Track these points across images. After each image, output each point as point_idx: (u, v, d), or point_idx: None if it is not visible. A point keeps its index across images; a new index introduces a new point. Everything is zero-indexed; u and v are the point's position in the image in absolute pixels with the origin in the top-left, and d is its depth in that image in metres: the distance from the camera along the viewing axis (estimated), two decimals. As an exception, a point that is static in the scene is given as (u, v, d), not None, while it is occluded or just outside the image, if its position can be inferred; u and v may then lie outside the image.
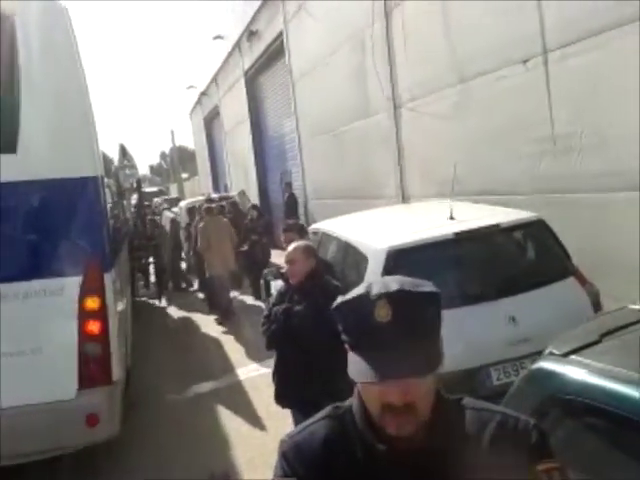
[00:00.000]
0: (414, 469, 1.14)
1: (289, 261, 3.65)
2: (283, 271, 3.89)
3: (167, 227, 13.12)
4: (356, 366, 1.11)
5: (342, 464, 1.18)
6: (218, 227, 9.45)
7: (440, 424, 1.16)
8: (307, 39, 12.51)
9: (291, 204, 14.09)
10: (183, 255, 13.32)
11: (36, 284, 4.09)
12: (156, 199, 19.68)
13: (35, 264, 4.13)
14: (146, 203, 14.68)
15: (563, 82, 5.56)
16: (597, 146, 5.23)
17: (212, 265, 9.41)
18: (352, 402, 1.25)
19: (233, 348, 7.98)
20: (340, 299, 1.18)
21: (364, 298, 1.12)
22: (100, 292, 4.19)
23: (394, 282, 1.14)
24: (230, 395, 6.21)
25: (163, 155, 67.61)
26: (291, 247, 3.70)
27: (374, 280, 1.19)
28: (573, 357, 1.86)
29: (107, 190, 5.48)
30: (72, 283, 4.14)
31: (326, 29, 11.26)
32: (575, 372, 1.79)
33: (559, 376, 1.84)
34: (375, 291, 1.12)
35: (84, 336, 4.13)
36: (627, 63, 4.85)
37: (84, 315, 4.15)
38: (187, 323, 9.96)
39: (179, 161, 41.46)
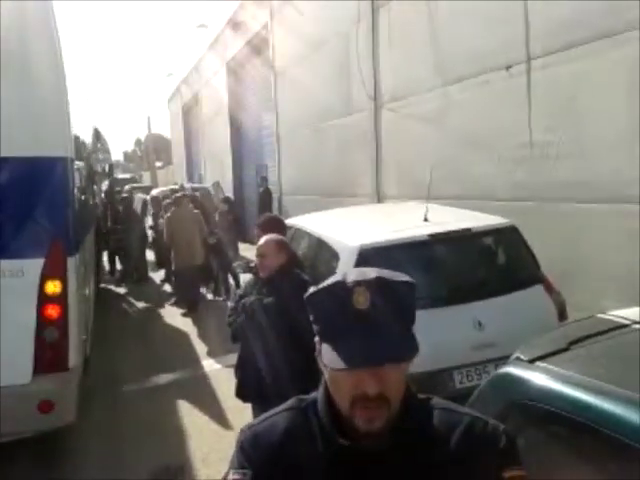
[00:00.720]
0: (377, 467, 1.10)
1: (260, 254, 3.58)
2: (253, 264, 3.81)
3: (139, 209, 12.83)
4: (333, 354, 1.07)
5: (301, 458, 1.14)
6: (186, 218, 9.26)
7: (407, 422, 1.12)
8: (292, 33, 12.42)
9: (265, 199, 13.99)
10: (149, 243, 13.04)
11: (-2, 264, 3.94)
12: (127, 186, 19.35)
13: None
14: (117, 189, 14.39)
15: (544, 90, 5.59)
16: (573, 155, 5.27)
17: (177, 257, 9.25)
18: (316, 395, 1.21)
19: (196, 341, 7.87)
20: (314, 288, 1.15)
21: (341, 285, 1.09)
22: (62, 276, 4.06)
23: (371, 271, 1.12)
24: (189, 388, 6.11)
25: (138, 142, 66.53)
26: (262, 240, 3.63)
27: (349, 270, 1.16)
28: (539, 363, 1.83)
29: (77, 173, 5.33)
30: (34, 265, 4.00)
31: (311, 24, 11.20)
32: (540, 378, 1.76)
33: (524, 382, 1.81)
34: (352, 278, 1.10)
35: (42, 320, 4.00)
36: (608, 75, 4.90)
37: (44, 299, 4.01)
38: (151, 314, 9.79)
39: (154, 149, 40.90)
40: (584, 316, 2.38)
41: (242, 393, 3.60)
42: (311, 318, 1.14)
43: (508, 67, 5.96)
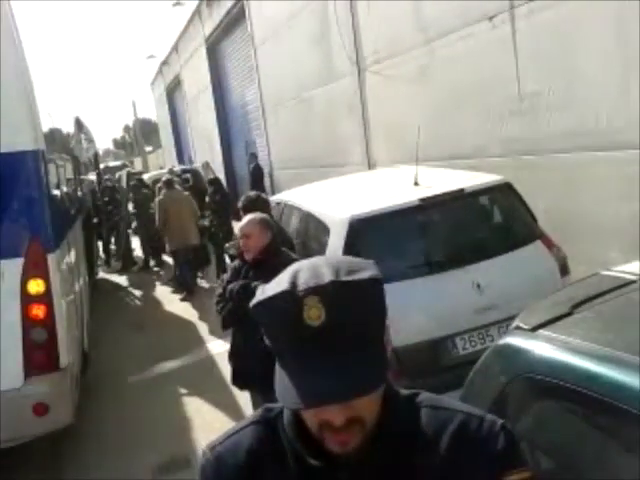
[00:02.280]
0: None
1: (243, 235, 3.43)
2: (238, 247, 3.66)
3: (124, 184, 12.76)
4: (284, 386, 0.87)
5: None
6: (177, 201, 9.09)
7: (389, 429, 0.94)
8: (268, 2, 12.04)
9: (256, 175, 13.77)
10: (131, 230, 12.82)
11: (-26, 269, 3.80)
12: (118, 173, 19.08)
13: None
14: (106, 177, 14.12)
15: (530, 38, 5.36)
16: (565, 105, 5.06)
17: (171, 240, 9.11)
18: None
19: (198, 324, 7.77)
20: (260, 294, 0.93)
21: (289, 295, 0.87)
22: (43, 274, 3.92)
23: (326, 268, 0.89)
24: (194, 374, 6.02)
25: (127, 128, 65.89)
26: (245, 220, 3.48)
27: (301, 266, 0.93)
28: (542, 332, 1.68)
29: (54, 165, 5.14)
30: (13, 265, 3.86)
31: (287, -10, 10.84)
32: (544, 349, 1.62)
33: (527, 353, 1.67)
34: (302, 284, 0.87)
35: (28, 321, 3.88)
36: (595, 18, 4.67)
37: (27, 299, 3.88)
38: (149, 301, 9.69)
39: (142, 134, 40.42)
40: (587, 274, 2.23)
41: (238, 381, 3.49)
42: (262, 331, 0.94)
43: (491, 17, 5.71)
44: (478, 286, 3.78)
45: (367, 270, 0.90)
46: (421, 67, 7.12)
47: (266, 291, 0.90)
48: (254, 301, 0.91)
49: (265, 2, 12.25)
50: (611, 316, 1.70)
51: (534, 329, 1.70)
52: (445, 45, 6.56)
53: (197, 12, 18.17)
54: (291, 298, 0.86)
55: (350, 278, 0.87)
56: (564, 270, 4.07)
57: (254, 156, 14.48)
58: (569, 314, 1.73)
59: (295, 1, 10.58)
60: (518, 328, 1.78)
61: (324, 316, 0.84)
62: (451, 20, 6.35)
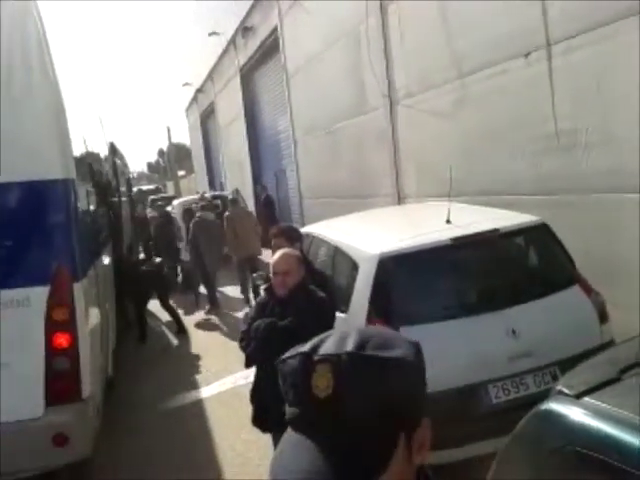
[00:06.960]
0: None
1: (283, 271, 3.32)
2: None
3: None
4: (276, 455, 0.80)
5: None
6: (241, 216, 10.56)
7: None
8: (302, 34, 12.20)
9: (268, 207, 13.92)
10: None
11: (1, 294, 3.79)
12: (151, 197, 19.38)
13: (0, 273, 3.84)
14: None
15: (567, 76, 5.25)
16: (604, 143, 4.92)
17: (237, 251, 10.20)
18: None
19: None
20: (291, 350, 0.86)
21: (304, 357, 0.80)
22: (69, 302, 3.89)
23: (354, 338, 0.80)
24: (214, 406, 5.92)
25: (161, 152, 67.14)
26: (281, 255, 3.39)
27: (333, 332, 0.86)
28: (588, 399, 1.55)
29: (87, 192, 5.17)
30: (39, 293, 3.85)
31: (321, 24, 10.95)
32: (590, 419, 1.49)
33: (571, 423, 1.54)
34: (321, 350, 0.80)
35: (52, 350, 3.84)
36: (633, 56, 4.55)
37: (52, 327, 3.85)
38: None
39: (176, 158, 41.15)
40: (626, 321, 2.10)
41: (259, 421, 3.38)
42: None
43: (527, 54, 5.62)
44: (513, 332, 3.64)
45: (401, 348, 0.80)
46: (454, 102, 7.05)
47: (295, 349, 0.84)
48: (281, 357, 0.85)
49: (299, 34, 12.40)
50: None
51: (579, 395, 1.58)
52: (479, 80, 6.49)
53: (232, 42, 18.51)
54: (305, 361, 0.80)
55: (373, 353, 0.78)
56: (603, 317, 3.90)
57: (264, 188, 14.79)
58: (617, 379, 1.61)
59: (328, 34, 10.67)
60: (561, 392, 1.65)
61: (332, 388, 0.76)
62: (485, 56, 6.28)
